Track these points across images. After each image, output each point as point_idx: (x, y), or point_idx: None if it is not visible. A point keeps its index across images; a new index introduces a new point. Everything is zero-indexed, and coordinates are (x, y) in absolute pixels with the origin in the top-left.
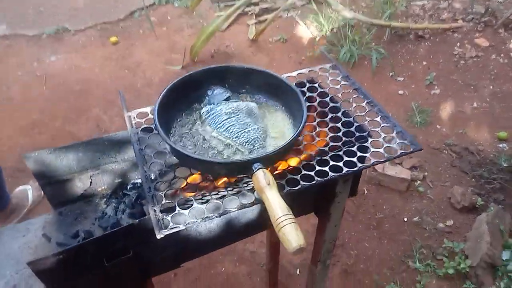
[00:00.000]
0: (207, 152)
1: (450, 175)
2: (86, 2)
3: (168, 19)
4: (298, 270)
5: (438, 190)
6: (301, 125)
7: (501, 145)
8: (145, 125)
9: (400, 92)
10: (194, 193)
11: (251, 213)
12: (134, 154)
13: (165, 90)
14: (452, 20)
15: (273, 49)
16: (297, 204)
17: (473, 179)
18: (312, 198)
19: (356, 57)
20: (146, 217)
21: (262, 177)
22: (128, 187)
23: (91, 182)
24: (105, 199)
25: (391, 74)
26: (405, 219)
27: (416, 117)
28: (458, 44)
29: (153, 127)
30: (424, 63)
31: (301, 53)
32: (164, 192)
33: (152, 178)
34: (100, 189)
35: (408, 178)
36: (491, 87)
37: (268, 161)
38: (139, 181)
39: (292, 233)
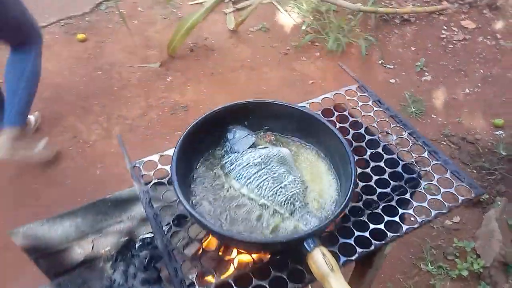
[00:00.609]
0: (239, 216)
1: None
2: None
3: (138, 11)
4: None
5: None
6: (351, 188)
7: (497, 133)
8: (156, 180)
9: (392, 80)
10: (231, 273)
11: None
12: (148, 221)
13: (179, 141)
14: (437, 2)
15: (255, 40)
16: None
17: (474, 171)
18: None
19: (344, 45)
20: None
21: (322, 260)
22: (137, 245)
23: (93, 246)
24: (110, 263)
25: (380, 61)
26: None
27: (410, 107)
28: (445, 27)
29: (167, 182)
30: (413, 48)
31: (285, 42)
32: (194, 276)
33: (176, 255)
34: (103, 251)
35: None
36: (481, 71)
37: (321, 232)
38: (149, 236)
39: None
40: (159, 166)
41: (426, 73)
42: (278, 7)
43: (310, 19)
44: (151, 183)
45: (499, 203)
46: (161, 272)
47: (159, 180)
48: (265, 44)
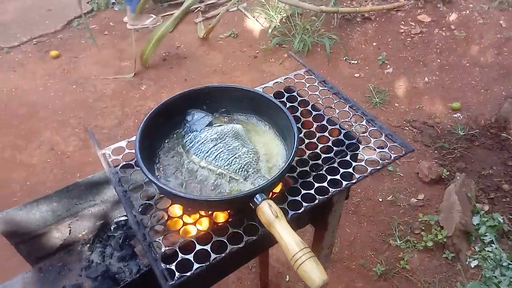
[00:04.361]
0: (199, 185)
1: (414, 151)
2: (15, 14)
3: (110, 26)
4: (287, 276)
5: (406, 167)
6: (294, 148)
7: (455, 115)
8: (124, 162)
9: (356, 75)
10: (194, 233)
11: None
12: (118, 198)
13: (142, 123)
14: None
15: (225, 46)
16: (293, 220)
17: (436, 151)
18: (309, 211)
19: (310, 45)
20: (147, 269)
21: (268, 210)
22: (112, 228)
23: (70, 230)
24: (88, 245)
25: (345, 58)
26: (380, 199)
27: (374, 98)
28: (403, 22)
29: (134, 164)
30: (374, 44)
31: (254, 47)
32: (161, 238)
33: (144, 222)
34: (80, 235)
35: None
36: (438, 60)
37: (269, 189)
38: (123, 218)
39: (313, 270)
40: (127, 151)
41: (388, 66)
42: (246, 13)
43: (277, 23)
44: (120, 166)
45: (458, 178)
46: (135, 247)
47: (126, 162)
48: (235, 49)
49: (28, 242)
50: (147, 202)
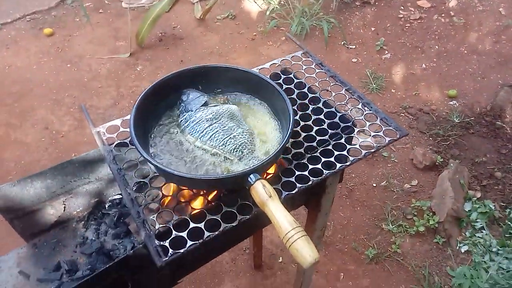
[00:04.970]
0: (194, 164)
1: (409, 137)
2: None
3: (105, 4)
4: (281, 258)
5: (400, 153)
6: (289, 129)
7: (451, 103)
8: (118, 141)
9: (354, 60)
10: (188, 212)
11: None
12: (113, 175)
13: (137, 101)
14: None
15: (223, 27)
16: (287, 201)
17: (431, 138)
18: (303, 193)
19: (308, 28)
20: (141, 246)
21: (262, 189)
22: (106, 206)
23: (64, 207)
24: (83, 222)
25: (343, 42)
26: (374, 185)
27: (371, 84)
28: (402, 7)
29: (128, 142)
30: (373, 28)
31: (251, 28)
32: (155, 215)
33: (139, 200)
34: (75, 212)
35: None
36: (436, 47)
37: (263, 169)
38: (118, 197)
39: (305, 248)
40: (121, 129)
41: (386, 51)
42: None
43: (275, 5)
44: (114, 144)
45: (451, 165)
46: (130, 225)
47: (121, 141)
48: (233, 31)
49: (23, 218)
50: (142, 180)
